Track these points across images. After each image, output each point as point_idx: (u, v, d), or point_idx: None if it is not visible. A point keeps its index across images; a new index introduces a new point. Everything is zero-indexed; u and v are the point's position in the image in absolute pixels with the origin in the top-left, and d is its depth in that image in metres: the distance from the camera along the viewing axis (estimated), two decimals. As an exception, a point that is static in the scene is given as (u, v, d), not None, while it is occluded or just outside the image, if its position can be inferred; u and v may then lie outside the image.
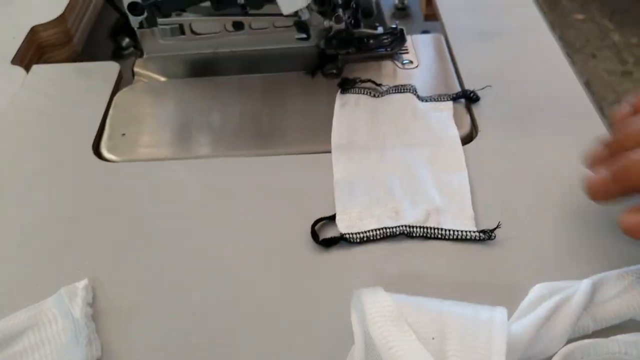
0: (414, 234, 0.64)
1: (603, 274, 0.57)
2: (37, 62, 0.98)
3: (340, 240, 0.64)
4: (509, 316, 0.52)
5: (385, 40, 0.90)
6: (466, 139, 0.78)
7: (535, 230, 0.65)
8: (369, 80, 0.85)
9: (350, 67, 0.90)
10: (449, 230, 0.64)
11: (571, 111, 0.79)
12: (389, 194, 0.68)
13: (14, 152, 0.80)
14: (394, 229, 0.64)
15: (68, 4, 1.03)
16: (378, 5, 0.91)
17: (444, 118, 0.79)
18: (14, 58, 0.94)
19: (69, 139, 0.81)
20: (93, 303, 0.62)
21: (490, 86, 0.81)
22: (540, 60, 0.88)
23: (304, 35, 0.87)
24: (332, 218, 0.67)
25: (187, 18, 0.88)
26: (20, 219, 0.70)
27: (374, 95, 0.83)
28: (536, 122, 0.78)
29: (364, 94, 0.84)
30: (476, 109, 0.81)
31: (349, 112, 0.81)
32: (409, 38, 0.93)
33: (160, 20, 0.86)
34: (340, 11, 0.86)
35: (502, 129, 0.77)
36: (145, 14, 0.85)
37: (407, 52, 0.92)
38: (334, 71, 0.89)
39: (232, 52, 0.95)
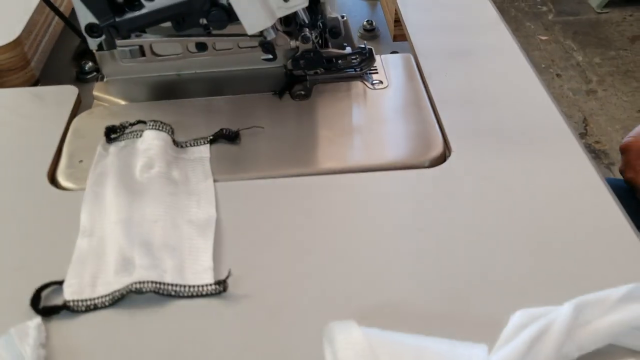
0: (143, 290, 0.60)
1: (585, 296, 0.55)
2: (-9, 87, 0.94)
3: (63, 310, 0.59)
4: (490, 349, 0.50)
5: (354, 60, 0.88)
6: (439, 160, 0.75)
7: (509, 256, 0.62)
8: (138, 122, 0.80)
9: (318, 88, 0.88)
10: (181, 286, 0.61)
11: (545, 130, 0.78)
12: (122, 252, 0.64)
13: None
14: (123, 290, 0.60)
15: (24, 28, 0.98)
16: (346, 25, 0.89)
17: (198, 166, 0.76)
18: (-35, 82, 0.90)
19: (23, 168, 0.77)
20: (47, 343, 0.57)
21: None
22: (512, 80, 0.87)
23: (270, 56, 0.85)
24: (60, 283, 0.62)
25: (148, 39, 0.85)
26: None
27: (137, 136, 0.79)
28: (508, 142, 0.76)
29: (128, 139, 0.79)
30: (449, 129, 0.79)
31: (107, 163, 0.77)
32: (378, 58, 0.91)
33: (119, 42, 0.83)
34: (307, 31, 0.84)
35: (474, 149, 0.75)
36: (104, 36, 0.81)
37: (377, 72, 0.90)
38: (302, 92, 0.87)
39: (195, 73, 0.92)
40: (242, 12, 0.75)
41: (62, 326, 0.59)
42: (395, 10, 1.04)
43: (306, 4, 0.77)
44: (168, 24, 0.80)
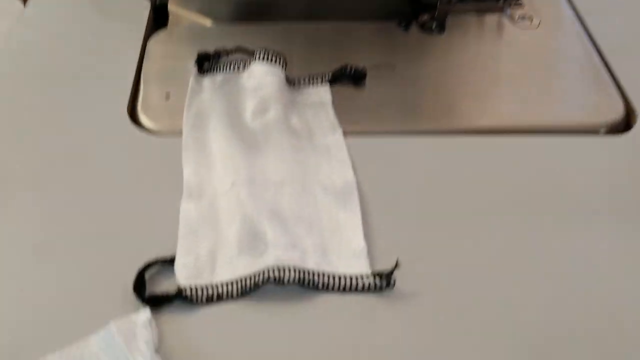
0: (285, 280, 0.45)
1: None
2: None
3: (177, 300, 0.45)
4: None
5: (497, -12, 0.71)
6: (619, 126, 0.60)
7: None
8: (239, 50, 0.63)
9: (450, 21, 0.71)
10: (330, 277, 0.46)
11: None
12: (249, 223, 0.48)
13: (17, 115, 0.59)
14: (257, 277, 0.45)
15: None
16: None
17: (321, 113, 0.60)
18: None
19: (97, 101, 0.60)
20: (159, 346, 0.42)
21: None
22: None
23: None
24: (170, 261, 0.47)
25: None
26: (37, 209, 0.51)
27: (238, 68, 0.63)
28: None
29: (226, 71, 0.63)
30: (630, 86, 0.63)
31: (205, 101, 0.61)
32: (525, -11, 0.74)
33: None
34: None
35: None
36: None
37: (522, 7, 0.73)
38: (433, 26, 0.70)
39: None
40: None
41: (173, 321, 0.44)
42: None
43: None
44: None
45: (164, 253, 0.47)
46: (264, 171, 0.52)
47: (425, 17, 0.71)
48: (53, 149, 0.56)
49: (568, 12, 0.73)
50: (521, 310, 0.45)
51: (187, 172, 0.53)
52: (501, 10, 0.73)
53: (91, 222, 0.50)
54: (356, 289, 0.46)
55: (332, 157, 0.55)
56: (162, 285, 0.46)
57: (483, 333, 0.44)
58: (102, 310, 0.44)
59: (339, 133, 0.57)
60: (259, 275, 0.45)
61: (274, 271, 0.45)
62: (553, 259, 0.49)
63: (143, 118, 0.60)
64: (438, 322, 0.44)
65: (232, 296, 0.45)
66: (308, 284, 0.45)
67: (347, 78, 0.63)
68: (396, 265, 0.46)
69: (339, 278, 0.46)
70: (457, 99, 0.63)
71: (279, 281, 0.44)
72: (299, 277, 0.45)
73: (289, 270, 0.45)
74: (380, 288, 0.46)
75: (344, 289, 0.46)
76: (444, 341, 0.43)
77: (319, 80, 0.62)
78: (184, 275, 0.45)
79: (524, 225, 0.51)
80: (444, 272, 0.47)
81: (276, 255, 0.46)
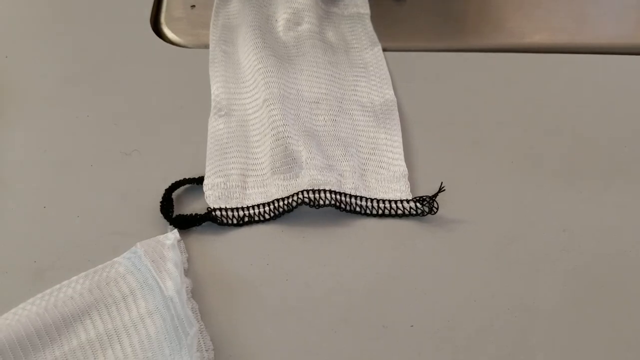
0: (320, 202, 0.42)
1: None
2: None
3: (206, 221, 0.42)
4: None
5: None
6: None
7: None
8: None
9: None
10: (369, 201, 0.43)
11: None
12: (282, 142, 0.45)
13: (34, 29, 0.55)
14: (291, 199, 0.42)
15: None
16: None
17: (358, 26, 0.56)
18: None
19: (116, 10, 0.56)
20: (188, 269, 0.40)
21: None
22: None
23: None
24: (198, 181, 0.44)
25: None
26: (58, 124, 0.48)
27: None
28: None
29: None
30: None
31: (233, 11, 0.56)
32: None
33: None
34: None
35: None
36: None
37: None
38: None
39: None
40: None
41: (202, 243, 0.41)
42: None
43: None
44: None
45: (192, 172, 0.44)
46: (298, 88, 0.49)
47: None
48: (71, 66, 0.53)
49: None
50: (571, 241, 0.42)
51: (216, 87, 0.49)
52: None
53: (114, 139, 0.47)
54: (396, 213, 0.43)
55: (370, 73, 0.51)
56: (190, 206, 0.43)
57: (529, 263, 0.41)
58: (128, 230, 0.42)
59: (377, 48, 0.53)
60: (292, 197, 0.42)
61: (308, 193, 0.42)
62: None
63: (167, 30, 0.56)
64: (481, 251, 0.41)
65: (264, 218, 0.42)
66: (345, 207, 0.42)
67: (387, -11, 0.58)
68: (440, 190, 0.42)
69: (378, 202, 0.43)
70: (507, 13, 0.57)
71: (314, 203, 0.42)
72: (336, 200, 0.42)
73: (325, 192, 0.42)
74: (422, 213, 0.43)
75: (383, 213, 0.43)
76: (486, 271, 0.40)
77: None
78: (214, 196, 0.43)
79: (578, 154, 0.47)
80: (490, 198, 0.44)
81: (311, 176, 0.43)
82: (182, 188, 0.44)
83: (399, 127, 0.47)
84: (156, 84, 0.51)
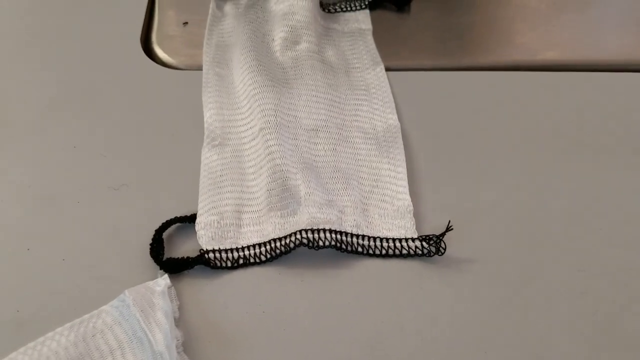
0: (320, 243, 0.39)
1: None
2: None
3: (199, 264, 0.39)
4: None
5: None
6: None
7: None
8: None
9: None
10: (371, 240, 0.40)
11: None
12: (279, 175, 0.42)
13: (19, 47, 0.53)
14: (289, 240, 0.39)
15: None
16: None
17: (359, 43, 0.53)
18: None
19: (105, 29, 0.53)
20: (179, 317, 0.38)
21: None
22: None
23: None
24: (190, 219, 0.41)
25: None
26: (39, 155, 0.45)
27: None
28: None
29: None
30: None
31: (227, 29, 0.53)
32: None
33: None
34: None
35: None
36: None
37: None
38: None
39: None
40: None
41: (194, 290, 0.39)
42: None
43: None
44: None
45: (184, 207, 0.42)
46: (296, 114, 0.46)
47: None
48: (55, 91, 0.50)
49: None
50: (589, 283, 0.39)
51: (209, 114, 0.46)
52: None
53: (102, 173, 0.44)
54: (400, 253, 0.40)
55: (372, 96, 0.49)
56: (182, 247, 0.41)
57: (545, 307, 0.38)
58: (116, 274, 0.39)
59: (380, 68, 0.50)
60: (290, 237, 0.39)
61: (307, 233, 0.39)
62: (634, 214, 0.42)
63: (158, 50, 0.53)
64: (493, 296, 0.38)
65: (260, 260, 0.40)
66: (346, 248, 0.40)
67: (390, 2, 0.55)
68: (448, 229, 0.40)
69: (381, 240, 0.40)
70: (516, 27, 0.54)
71: (313, 244, 0.39)
72: (336, 240, 0.39)
73: (325, 232, 0.39)
74: (429, 254, 0.40)
75: (387, 253, 0.40)
76: (499, 318, 0.38)
77: (358, 4, 0.55)
78: (207, 237, 0.40)
79: (597, 176, 0.44)
80: (502, 235, 0.41)
81: (310, 214, 0.40)
82: (173, 227, 0.41)
83: (403, 156, 0.45)
84: (147, 110, 0.48)
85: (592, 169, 0.45)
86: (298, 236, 0.39)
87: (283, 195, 0.41)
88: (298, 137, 0.45)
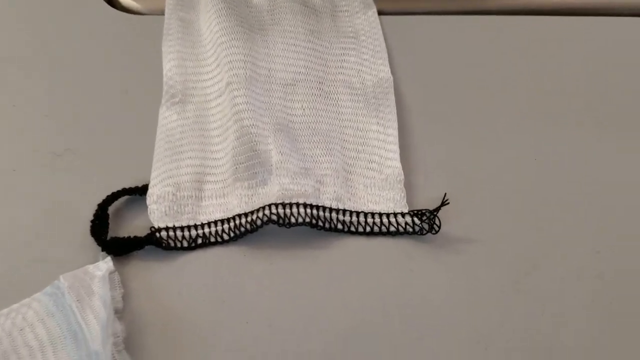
0: (292, 221, 0.33)
1: None
2: None
3: (149, 245, 0.33)
4: None
5: None
6: None
7: None
8: None
9: None
10: (353, 214, 0.34)
11: None
12: (248, 139, 0.35)
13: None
14: (256, 215, 0.33)
15: None
16: None
17: None
18: None
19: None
20: (123, 308, 0.32)
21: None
22: None
23: None
24: (141, 191, 0.35)
25: None
26: None
27: None
28: None
29: None
30: None
31: None
32: None
33: None
34: None
35: None
36: None
37: None
38: None
39: None
40: None
41: (143, 275, 0.33)
42: None
43: None
44: None
45: (138, 178, 0.36)
46: (270, 67, 0.39)
47: None
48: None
49: None
50: (605, 266, 0.33)
51: (169, 67, 0.40)
52: None
53: (44, 136, 0.38)
54: (387, 231, 0.34)
55: (362, 44, 0.42)
56: (133, 224, 0.35)
57: (554, 295, 0.32)
58: (53, 256, 0.33)
59: (372, 11, 0.43)
60: (257, 213, 0.33)
61: (277, 207, 0.33)
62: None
63: (119, -6, 0.46)
64: (494, 281, 0.33)
65: (222, 239, 0.34)
66: (323, 225, 0.34)
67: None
68: (443, 203, 0.34)
69: (365, 216, 0.34)
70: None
71: (284, 221, 0.33)
72: (311, 216, 0.33)
73: (298, 207, 0.33)
74: (420, 231, 0.34)
75: (372, 230, 0.34)
76: (500, 308, 0.32)
77: None
78: (159, 212, 0.34)
79: (617, 143, 0.38)
80: (506, 210, 0.35)
81: (282, 184, 0.34)
82: (122, 200, 0.35)
83: (394, 116, 0.38)
84: (98, 64, 0.42)
85: (611, 134, 0.38)
86: (267, 212, 0.33)
87: (251, 163, 0.35)
88: (272, 94, 0.38)
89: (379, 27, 0.43)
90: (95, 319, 0.31)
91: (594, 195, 0.36)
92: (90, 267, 0.32)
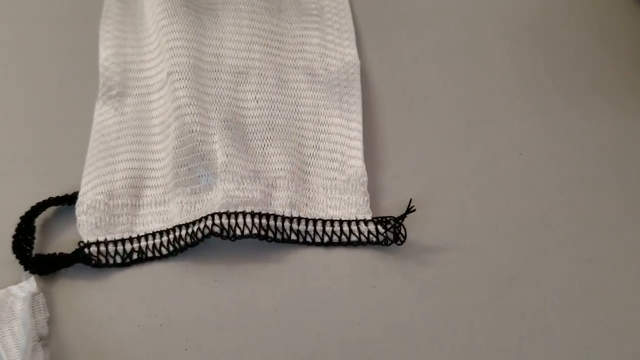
0: (237, 233, 0.29)
1: None
2: None
3: (77, 262, 0.29)
4: None
5: None
6: None
7: None
8: None
9: None
10: (308, 222, 0.30)
11: None
12: (189, 138, 0.31)
13: None
14: (197, 227, 0.29)
15: None
16: None
17: None
18: None
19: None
20: (49, 334, 0.29)
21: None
22: None
23: None
24: (70, 200, 0.31)
25: None
26: None
27: None
28: None
29: None
30: None
31: None
32: None
33: None
34: None
35: None
36: None
37: None
38: None
39: None
40: None
41: (72, 296, 0.29)
42: None
43: None
44: None
45: (70, 184, 0.32)
46: (219, 52, 0.35)
47: None
48: None
49: None
50: (598, 277, 0.29)
51: (105, 55, 0.36)
52: None
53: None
54: (348, 241, 0.30)
55: (326, 24, 0.37)
56: (62, 239, 0.31)
57: (537, 311, 0.28)
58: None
59: None
60: (199, 224, 0.29)
61: (221, 218, 0.29)
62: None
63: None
64: (470, 296, 0.29)
65: (160, 254, 0.30)
66: (274, 236, 0.30)
67: None
68: (409, 210, 0.29)
69: (324, 224, 0.30)
70: None
71: (228, 233, 0.29)
72: (260, 226, 0.29)
73: (245, 217, 0.29)
74: (385, 242, 0.30)
75: (330, 240, 0.30)
76: (476, 326, 0.28)
77: None
78: (89, 223, 0.30)
79: (613, 130, 0.33)
80: (483, 214, 0.31)
81: (226, 191, 0.30)
82: (51, 210, 0.31)
83: (359, 107, 0.34)
84: (28, 52, 0.37)
85: (605, 120, 0.34)
86: (209, 222, 0.29)
87: (193, 166, 0.31)
88: (220, 84, 0.34)
89: (347, 1, 0.38)
90: (16, 347, 0.27)
91: (579, 198, 0.31)
92: (13, 288, 0.29)
